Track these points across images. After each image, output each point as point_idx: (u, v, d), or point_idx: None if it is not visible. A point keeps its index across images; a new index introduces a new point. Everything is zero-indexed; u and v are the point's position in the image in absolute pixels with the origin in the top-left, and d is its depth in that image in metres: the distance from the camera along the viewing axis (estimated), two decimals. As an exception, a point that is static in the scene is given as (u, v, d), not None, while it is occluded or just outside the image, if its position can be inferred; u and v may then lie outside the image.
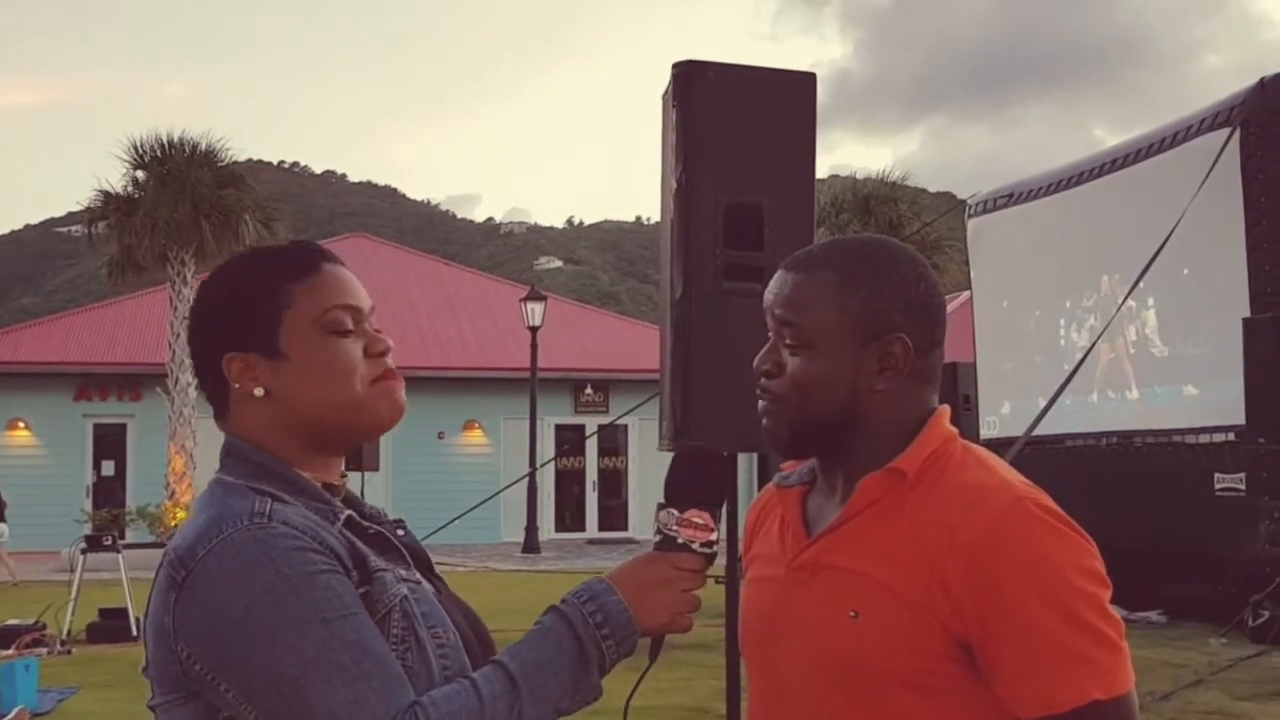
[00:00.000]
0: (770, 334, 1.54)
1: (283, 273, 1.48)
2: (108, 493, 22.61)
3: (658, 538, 1.48)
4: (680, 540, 1.47)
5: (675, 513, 1.47)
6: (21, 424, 22.90)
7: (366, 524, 1.47)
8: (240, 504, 1.38)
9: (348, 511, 1.45)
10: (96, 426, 23.24)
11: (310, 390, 1.45)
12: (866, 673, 1.41)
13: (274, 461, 1.45)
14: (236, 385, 1.46)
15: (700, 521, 1.47)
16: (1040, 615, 1.33)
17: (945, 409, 1.53)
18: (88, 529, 16.72)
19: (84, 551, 11.21)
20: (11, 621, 10.82)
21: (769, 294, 1.55)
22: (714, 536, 1.48)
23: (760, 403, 1.54)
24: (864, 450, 1.50)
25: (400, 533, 1.55)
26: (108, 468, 23.18)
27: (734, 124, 3.90)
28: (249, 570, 1.31)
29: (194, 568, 1.33)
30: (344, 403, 1.46)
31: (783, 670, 1.52)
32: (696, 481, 1.51)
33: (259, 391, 1.45)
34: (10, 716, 7.36)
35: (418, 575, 1.48)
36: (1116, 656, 1.35)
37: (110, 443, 23.19)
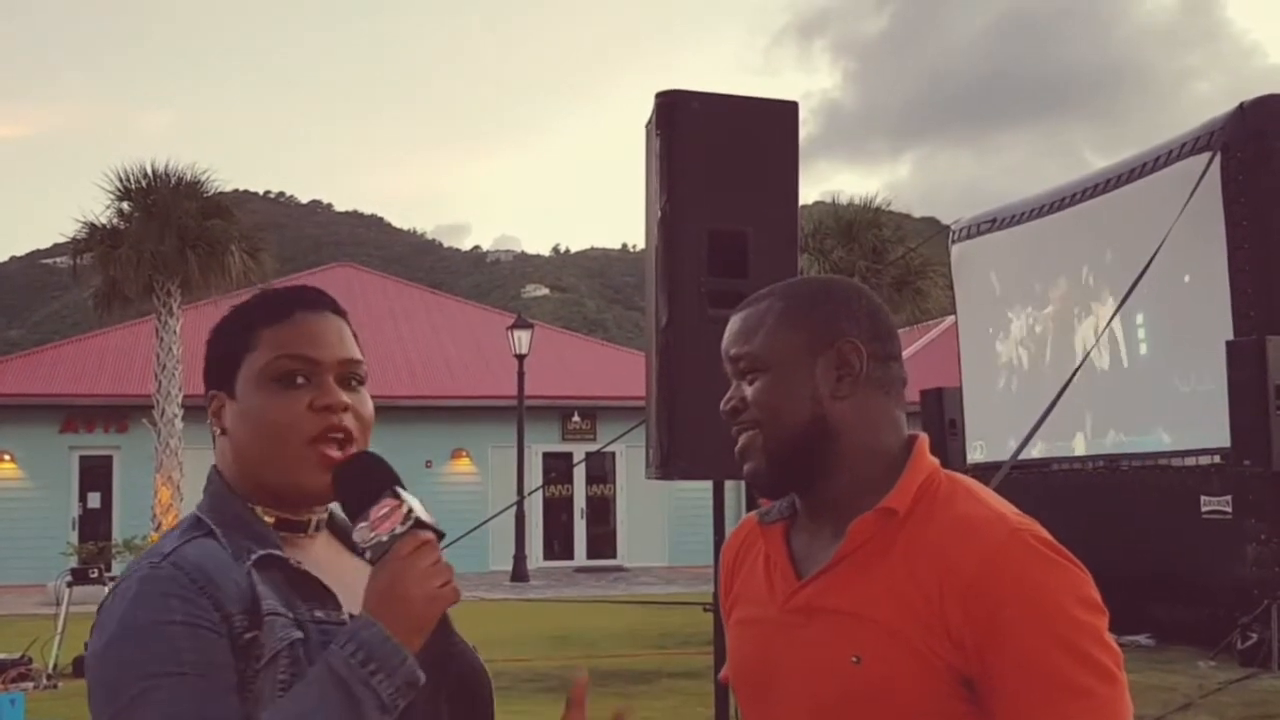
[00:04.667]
0: (731, 380, 1.56)
1: (257, 315, 1.51)
2: (94, 525, 22.45)
3: (369, 555, 1.41)
4: (385, 538, 1.39)
5: (364, 523, 1.41)
6: (7, 456, 22.77)
7: (294, 562, 1.45)
8: (167, 542, 1.43)
9: (263, 552, 1.43)
10: (83, 458, 23.11)
11: (247, 437, 1.48)
12: (871, 716, 1.40)
13: (228, 495, 1.49)
14: (211, 421, 1.52)
15: (385, 511, 1.40)
16: (1040, 649, 1.33)
17: (925, 438, 1.54)
18: (74, 562, 16.58)
19: (70, 584, 11.14)
20: (-3, 656, 10.75)
21: (723, 342, 1.58)
22: (405, 508, 1.40)
23: (737, 444, 1.54)
24: (844, 478, 1.50)
25: (367, 554, 1.54)
26: (94, 500, 23.03)
27: (717, 152, 3.93)
28: (116, 613, 1.36)
29: (101, 605, 1.41)
30: (272, 458, 1.46)
31: (782, 714, 1.50)
32: (358, 488, 1.45)
33: (217, 430, 1.51)
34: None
35: (345, 617, 1.43)
36: (1115, 688, 1.35)
37: (96, 475, 23.06)
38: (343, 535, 1.54)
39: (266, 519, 1.48)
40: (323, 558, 1.50)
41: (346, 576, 1.46)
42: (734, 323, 1.58)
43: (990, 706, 1.37)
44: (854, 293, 1.57)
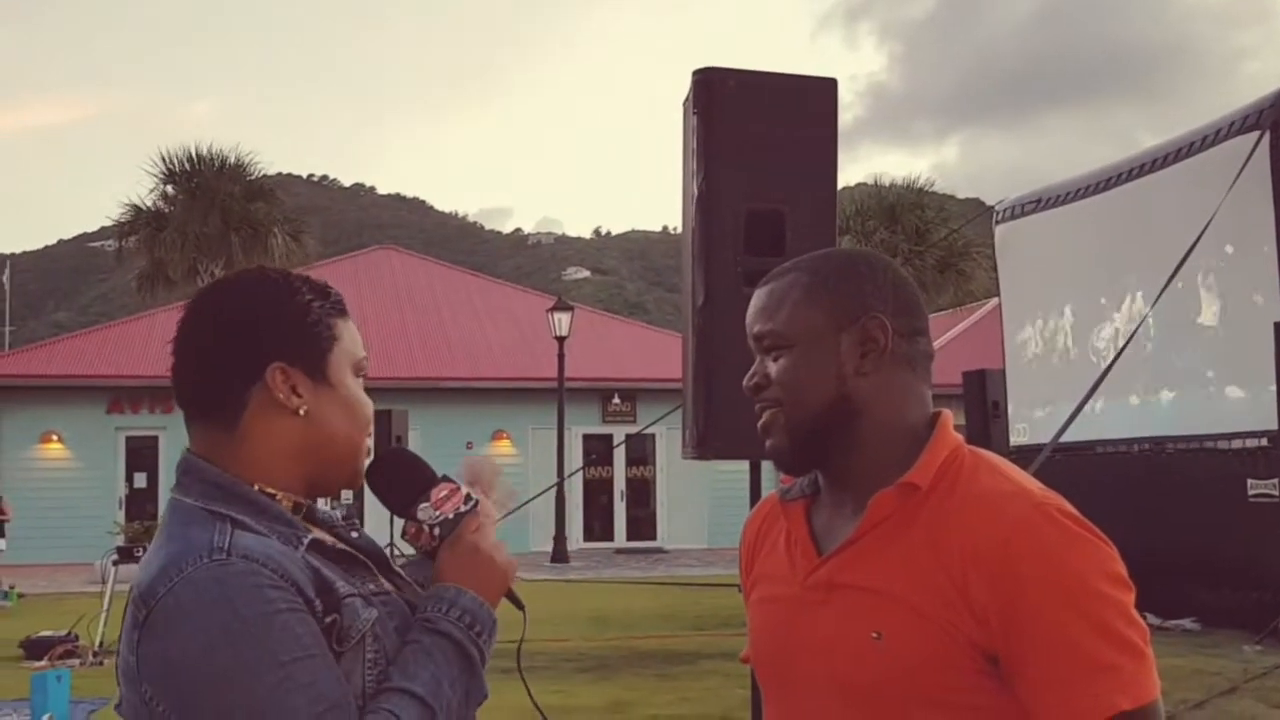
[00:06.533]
0: (755, 355, 1.55)
1: (331, 305, 1.52)
2: (140, 504, 22.74)
3: (436, 531, 1.52)
4: (452, 516, 1.52)
5: (427, 503, 1.52)
6: (55, 437, 23.08)
7: (331, 541, 1.47)
8: (201, 536, 1.36)
9: (311, 535, 1.44)
10: (129, 439, 23.39)
11: (342, 425, 1.50)
12: (893, 694, 1.39)
13: (235, 482, 1.43)
14: (280, 396, 1.45)
15: (447, 493, 1.53)
16: (1066, 624, 1.31)
17: (949, 414, 1.52)
18: (120, 541, 16.83)
19: (116, 563, 11.28)
20: (44, 633, 10.92)
21: (747, 317, 1.56)
22: (464, 490, 1.54)
23: (759, 420, 1.53)
24: (868, 455, 1.48)
25: (354, 535, 1.58)
26: (140, 480, 23.31)
27: (754, 130, 3.89)
28: (206, 611, 1.30)
29: (155, 607, 1.32)
30: (358, 444, 1.53)
31: (802, 692, 1.49)
32: (409, 474, 1.56)
33: (303, 410, 1.46)
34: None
35: (388, 585, 1.49)
36: (1142, 664, 1.33)
37: (142, 455, 23.32)
38: (306, 514, 1.55)
39: (285, 504, 1.47)
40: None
41: None
42: (758, 297, 1.56)
43: (1015, 682, 1.35)
44: (879, 266, 1.54)
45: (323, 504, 1.62)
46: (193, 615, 1.30)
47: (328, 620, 1.36)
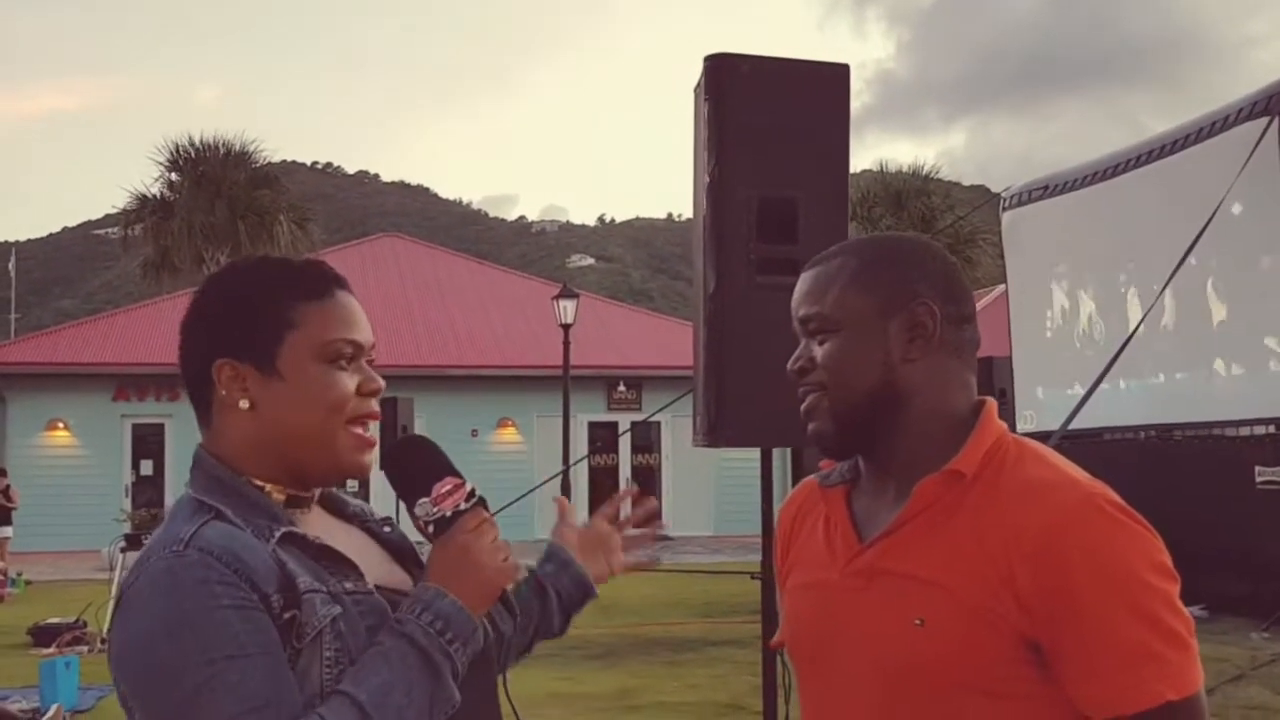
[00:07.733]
0: (800, 339, 1.53)
1: (294, 291, 1.48)
2: (146, 492, 22.76)
3: (431, 529, 1.47)
4: (449, 514, 1.46)
5: (427, 499, 1.47)
6: (61, 424, 23.10)
7: (314, 537, 1.45)
8: (177, 528, 1.38)
9: (285, 529, 1.42)
10: (135, 426, 23.39)
11: (296, 416, 1.45)
12: (934, 680, 1.38)
13: (230, 475, 1.45)
14: (223, 393, 1.45)
15: (449, 489, 1.47)
16: (1113, 615, 1.31)
17: (993, 402, 1.51)
18: (127, 528, 16.86)
19: (123, 550, 11.29)
20: (52, 620, 10.95)
21: (793, 300, 1.55)
22: (468, 487, 1.48)
23: (802, 404, 1.51)
24: (912, 442, 1.47)
25: (387, 530, 1.57)
26: (146, 467, 23.33)
27: (767, 117, 3.86)
28: (156, 602, 1.33)
29: (125, 595, 1.37)
30: (322, 436, 1.46)
31: (841, 678, 1.49)
32: (419, 464, 1.51)
33: (245, 404, 1.45)
34: (49, 715, 7.43)
35: (370, 586, 1.45)
36: (1187, 654, 1.33)
37: (149, 442, 23.34)
38: (330, 507, 1.55)
39: (277, 496, 1.46)
40: (321, 529, 1.49)
41: (343, 545, 1.47)
42: (804, 281, 1.54)
43: (1058, 671, 1.35)
44: (928, 252, 1.53)
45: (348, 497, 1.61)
46: (147, 605, 1.33)
47: (286, 616, 1.34)
